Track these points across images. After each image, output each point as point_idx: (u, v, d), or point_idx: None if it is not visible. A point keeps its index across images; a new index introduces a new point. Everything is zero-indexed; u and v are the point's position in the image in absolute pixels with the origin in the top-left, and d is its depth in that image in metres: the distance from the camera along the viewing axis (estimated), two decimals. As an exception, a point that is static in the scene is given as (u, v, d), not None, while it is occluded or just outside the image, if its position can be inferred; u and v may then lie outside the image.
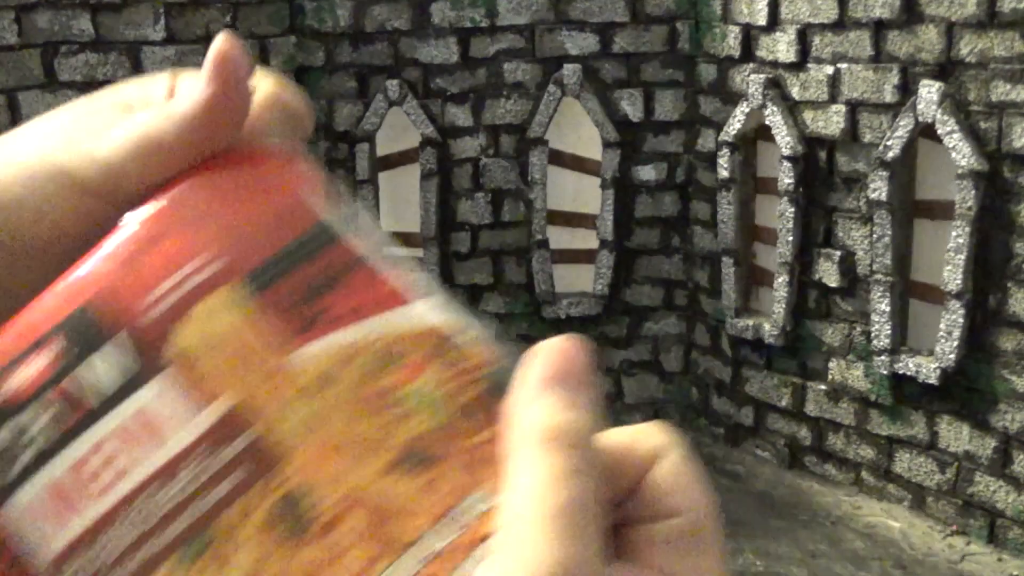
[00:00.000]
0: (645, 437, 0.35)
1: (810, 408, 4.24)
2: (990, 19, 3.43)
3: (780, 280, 4.17)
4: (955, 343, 3.65)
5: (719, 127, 4.33)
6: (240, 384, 0.33)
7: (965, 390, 3.71)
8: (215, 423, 0.33)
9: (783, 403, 4.33)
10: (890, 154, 3.75)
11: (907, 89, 3.69)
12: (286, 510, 0.33)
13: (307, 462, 0.33)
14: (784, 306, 4.17)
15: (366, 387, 0.34)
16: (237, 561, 0.33)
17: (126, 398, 0.33)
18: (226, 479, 0.33)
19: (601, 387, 0.35)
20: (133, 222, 0.35)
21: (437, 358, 0.35)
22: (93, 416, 0.33)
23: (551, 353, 0.34)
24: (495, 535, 0.32)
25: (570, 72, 4.48)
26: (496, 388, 0.34)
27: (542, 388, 0.33)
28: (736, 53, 4.22)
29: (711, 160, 4.41)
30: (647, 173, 4.61)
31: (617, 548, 0.34)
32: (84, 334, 0.33)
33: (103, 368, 0.33)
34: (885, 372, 3.90)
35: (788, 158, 4.04)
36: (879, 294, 3.88)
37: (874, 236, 3.86)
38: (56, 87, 3.77)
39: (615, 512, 0.34)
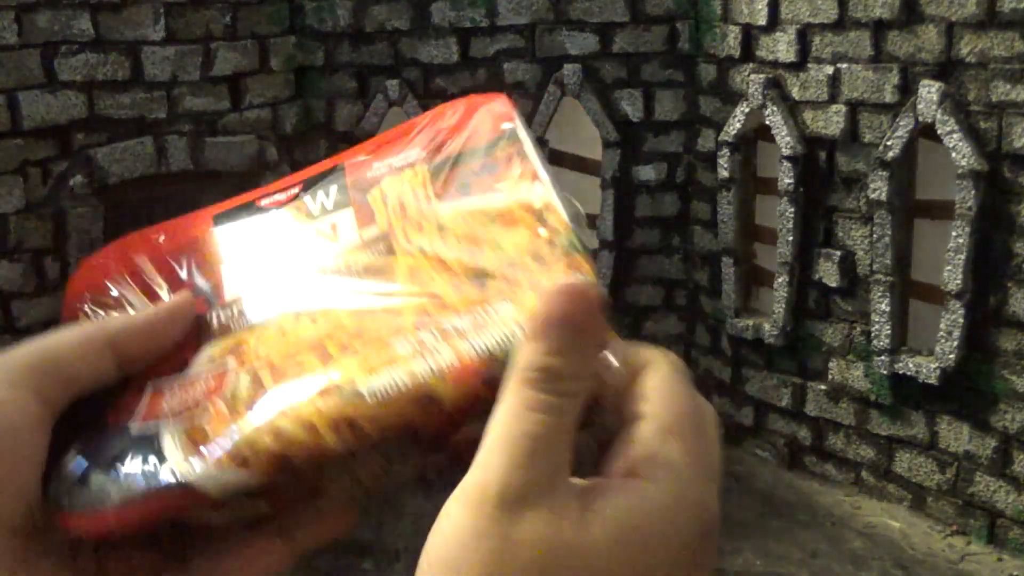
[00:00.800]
0: (635, 355, 0.41)
1: (810, 408, 4.24)
2: (990, 19, 3.43)
3: (780, 280, 4.17)
4: (955, 343, 3.64)
5: (719, 127, 4.33)
6: (396, 220, 0.52)
7: (965, 390, 3.71)
8: (372, 237, 0.52)
9: (783, 403, 4.33)
10: (890, 154, 3.75)
11: (907, 89, 3.69)
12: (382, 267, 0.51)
13: (413, 266, 0.50)
14: (784, 306, 4.17)
15: (474, 230, 0.50)
16: (341, 311, 0.50)
17: (331, 215, 0.54)
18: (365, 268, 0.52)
19: (608, 324, 0.39)
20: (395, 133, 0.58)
21: (536, 224, 0.50)
22: (311, 220, 0.54)
23: (554, 298, 0.38)
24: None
25: (570, 72, 4.48)
26: (565, 252, 0.49)
27: (535, 333, 0.38)
28: (736, 53, 4.22)
29: (711, 160, 4.41)
30: (647, 173, 4.61)
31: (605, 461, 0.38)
32: (329, 177, 0.56)
33: (327, 197, 0.55)
34: (885, 372, 3.90)
35: (788, 158, 4.04)
36: (879, 294, 3.88)
37: (874, 236, 3.86)
38: (56, 87, 3.77)
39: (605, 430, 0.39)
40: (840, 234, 4.01)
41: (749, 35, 4.17)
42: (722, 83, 4.34)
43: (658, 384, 0.39)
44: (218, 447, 0.44)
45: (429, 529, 0.38)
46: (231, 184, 4.45)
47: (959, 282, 3.59)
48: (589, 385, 0.38)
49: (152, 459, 0.45)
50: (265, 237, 0.55)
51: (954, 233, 3.59)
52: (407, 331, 0.46)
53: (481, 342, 0.43)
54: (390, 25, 4.51)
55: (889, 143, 3.74)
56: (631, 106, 4.55)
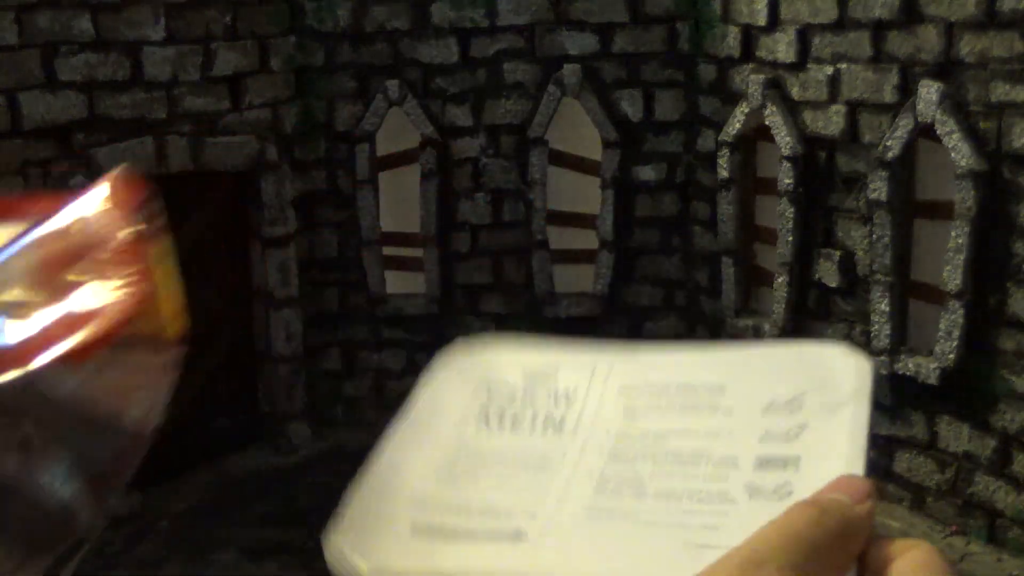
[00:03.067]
0: (904, 541, 0.47)
1: (810, 408, 4.23)
2: (990, 19, 3.43)
3: (780, 280, 4.17)
4: (955, 343, 3.64)
5: (719, 127, 4.33)
6: None
7: (965, 390, 3.71)
8: None
9: (783, 403, 4.33)
10: (890, 154, 3.75)
11: (907, 89, 3.69)
12: None
13: None
14: (784, 306, 4.17)
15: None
16: None
17: None
18: None
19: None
20: None
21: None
22: None
23: (838, 480, 0.49)
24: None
25: (570, 72, 4.48)
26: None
27: (837, 484, 0.48)
28: (736, 53, 4.22)
29: (711, 160, 4.41)
30: (647, 173, 4.61)
31: None
32: None
33: None
34: (885, 372, 3.90)
35: (788, 158, 4.04)
36: (879, 294, 3.88)
37: (874, 236, 3.86)
38: (56, 87, 3.77)
39: None
40: (840, 234, 4.01)
41: (749, 35, 4.17)
42: (722, 83, 4.34)
43: (920, 561, 0.45)
44: None
45: None
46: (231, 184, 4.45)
47: (959, 282, 3.59)
48: (863, 536, 0.46)
49: None
50: None
51: (954, 233, 3.59)
52: None
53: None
54: (390, 25, 4.51)
55: (889, 143, 3.74)
56: (631, 106, 4.55)
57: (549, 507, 0.51)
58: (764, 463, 0.52)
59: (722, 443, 0.53)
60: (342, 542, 0.50)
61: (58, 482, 0.51)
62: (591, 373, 0.55)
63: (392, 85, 4.52)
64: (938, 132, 3.59)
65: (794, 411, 0.54)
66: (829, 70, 3.90)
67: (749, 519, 0.47)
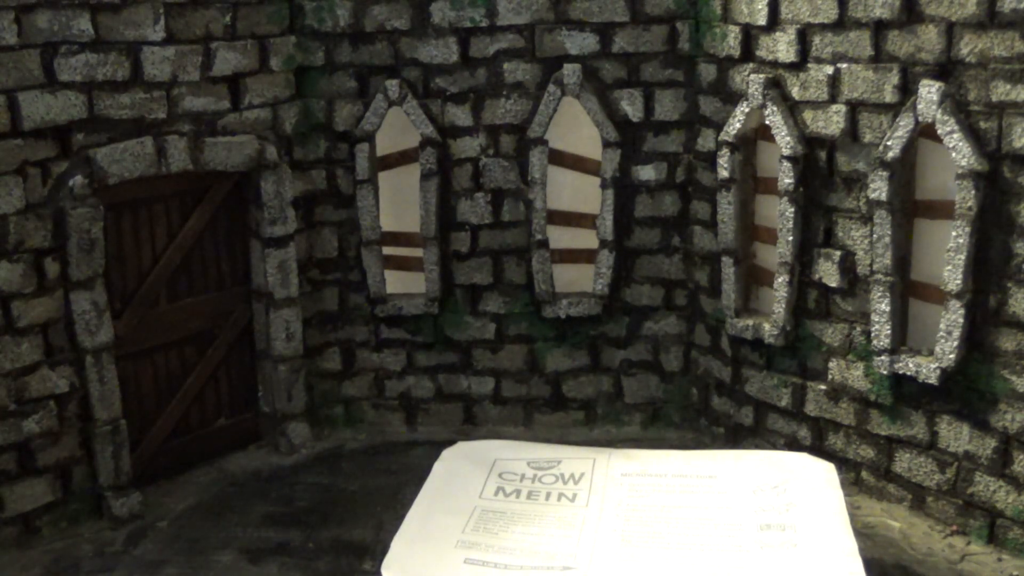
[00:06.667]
0: None
1: (810, 408, 4.24)
2: (990, 19, 3.43)
3: (780, 280, 4.17)
4: (955, 343, 3.65)
5: (719, 127, 4.34)
6: None
7: (965, 390, 3.71)
8: None
9: (783, 403, 4.33)
10: (890, 154, 3.75)
11: (907, 89, 3.69)
12: None
13: None
14: (784, 306, 4.17)
15: None
16: None
17: None
18: None
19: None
20: None
21: None
22: None
23: None
24: None
25: (570, 72, 4.48)
26: None
27: None
28: (736, 53, 4.22)
29: (711, 160, 4.41)
30: (647, 173, 4.61)
31: None
32: None
33: None
34: (885, 372, 3.90)
35: (788, 158, 4.04)
36: (879, 294, 3.88)
37: (874, 236, 3.86)
38: (56, 87, 3.77)
39: None
40: (840, 234, 4.01)
41: (749, 35, 4.17)
42: (722, 83, 4.34)
43: None
44: None
45: None
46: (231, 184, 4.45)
47: (959, 282, 3.59)
48: None
49: None
50: None
51: (954, 233, 3.59)
52: None
53: None
54: (390, 25, 4.51)
55: (889, 143, 3.74)
56: (631, 106, 4.55)
57: (584, 552, 0.54)
58: (766, 527, 0.55)
59: (724, 514, 0.56)
60: (396, 573, 0.51)
61: None
62: (592, 463, 0.58)
63: (392, 85, 4.52)
64: (938, 132, 3.59)
65: (780, 493, 0.57)
66: (829, 70, 3.90)
67: (763, 563, 0.49)
